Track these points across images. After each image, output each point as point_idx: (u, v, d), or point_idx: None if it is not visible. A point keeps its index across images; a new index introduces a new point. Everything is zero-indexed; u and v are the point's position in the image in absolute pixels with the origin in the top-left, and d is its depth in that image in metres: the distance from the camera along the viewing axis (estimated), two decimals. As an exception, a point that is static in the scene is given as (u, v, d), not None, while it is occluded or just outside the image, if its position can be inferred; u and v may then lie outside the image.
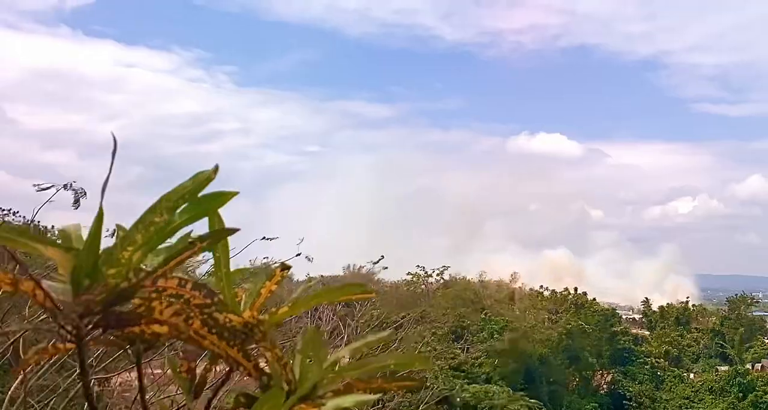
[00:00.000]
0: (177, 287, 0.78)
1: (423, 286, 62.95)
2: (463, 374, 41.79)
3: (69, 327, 0.79)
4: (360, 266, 57.10)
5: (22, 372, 4.48)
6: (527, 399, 40.14)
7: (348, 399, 0.88)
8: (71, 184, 7.16)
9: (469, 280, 65.34)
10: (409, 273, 60.83)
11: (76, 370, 5.91)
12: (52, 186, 6.81)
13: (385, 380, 0.93)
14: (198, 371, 1.06)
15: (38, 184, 6.98)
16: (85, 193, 7.58)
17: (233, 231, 0.86)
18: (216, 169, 0.81)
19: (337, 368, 0.93)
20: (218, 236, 0.85)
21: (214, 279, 0.94)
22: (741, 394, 51.33)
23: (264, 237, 8.40)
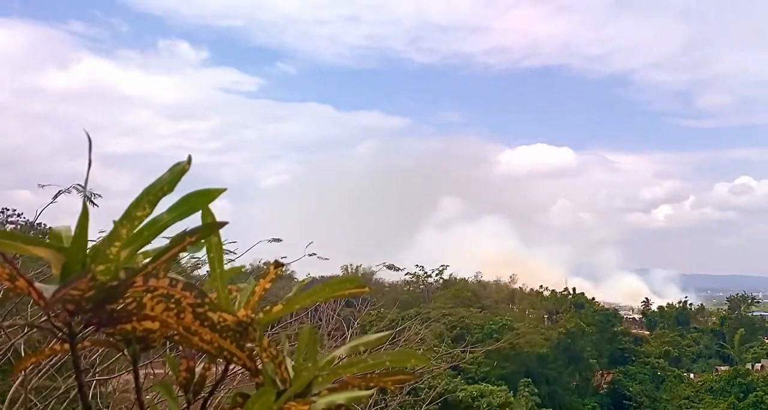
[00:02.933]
0: (168, 287, 0.77)
1: (422, 286, 63.02)
2: (462, 374, 41.80)
3: (60, 325, 0.79)
4: (358, 265, 57.19)
5: (22, 373, 4.48)
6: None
7: (342, 396, 0.88)
8: (75, 186, 7.18)
9: (467, 280, 65.31)
10: (408, 274, 60.88)
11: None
12: (59, 187, 6.84)
13: (381, 376, 0.93)
14: (198, 370, 1.06)
15: (42, 184, 7.00)
16: (93, 195, 7.63)
17: (222, 224, 0.85)
18: (189, 160, 0.82)
19: (332, 366, 0.93)
20: (208, 230, 0.85)
21: (210, 278, 0.94)
22: (741, 394, 51.28)
23: (274, 239, 8.44)
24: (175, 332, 0.86)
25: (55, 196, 7.05)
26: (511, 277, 71.33)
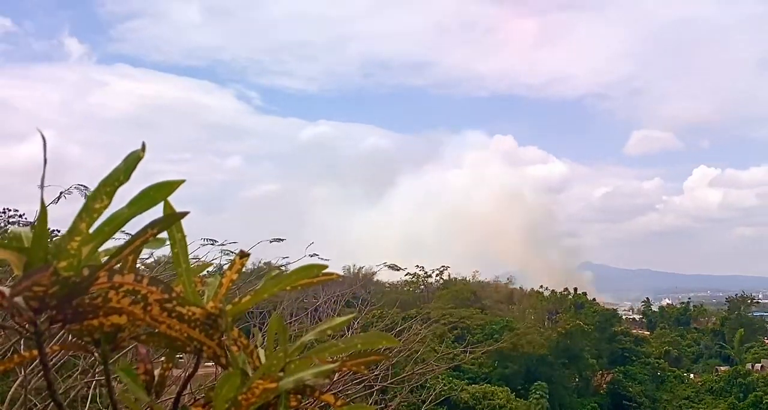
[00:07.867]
0: (133, 283, 0.76)
1: (422, 286, 62.96)
2: (463, 374, 41.74)
3: (26, 324, 0.78)
4: (360, 267, 57.18)
5: (22, 373, 4.51)
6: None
7: (309, 372, 0.87)
8: (77, 187, 7.36)
9: (467, 281, 65.24)
10: (408, 274, 60.81)
11: (77, 370, 5.96)
12: (60, 187, 6.97)
13: (352, 358, 0.93)
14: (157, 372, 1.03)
15: (41, 185, 7.13)
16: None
17: (183, 215, 0.84)
18: (144, 147, 0.81)
19: (304, 352, 0.94)
20: (169, 221, 0.84)
21: (177, 274, 0.92)
22: (741, 394, 51.16)
23: (276, 239, 8.70)
24: (143, 332, 0.86)
25: (57, 198, 7.21)
26: (509, 278, 71.40)
